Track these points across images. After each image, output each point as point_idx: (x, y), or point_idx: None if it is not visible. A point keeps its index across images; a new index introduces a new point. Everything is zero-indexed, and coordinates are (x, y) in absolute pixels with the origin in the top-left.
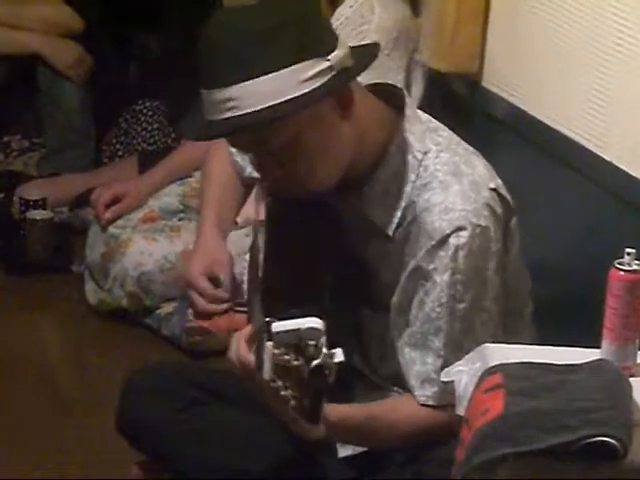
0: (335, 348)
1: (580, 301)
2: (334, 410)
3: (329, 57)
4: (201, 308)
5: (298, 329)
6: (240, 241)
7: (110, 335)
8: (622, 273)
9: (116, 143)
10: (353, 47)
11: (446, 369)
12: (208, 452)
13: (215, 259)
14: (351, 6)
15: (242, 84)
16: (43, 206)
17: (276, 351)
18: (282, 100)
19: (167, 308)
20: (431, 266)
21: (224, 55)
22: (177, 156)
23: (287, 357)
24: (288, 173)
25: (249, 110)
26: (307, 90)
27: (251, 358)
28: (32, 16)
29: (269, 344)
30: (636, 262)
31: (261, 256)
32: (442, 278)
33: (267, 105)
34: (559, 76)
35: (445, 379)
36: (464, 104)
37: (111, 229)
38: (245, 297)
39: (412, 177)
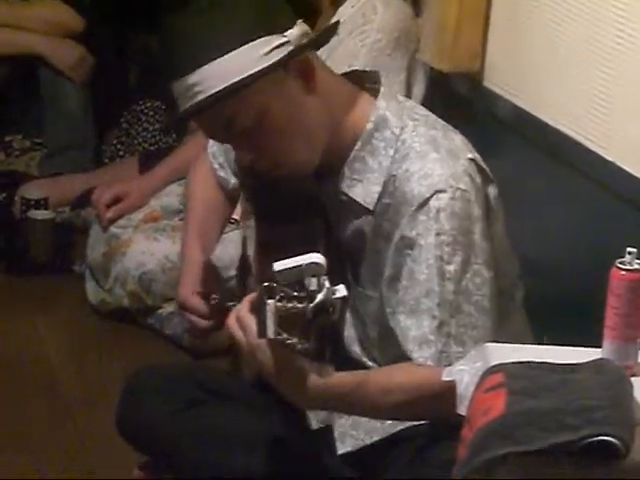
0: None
1: (582, 300)
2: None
3: (286, 34)
4: (201, 327)
5: (300, 265)
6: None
7: (111, 335)
8: (623, 272)
9: (117, 143)
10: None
11: (448, 368)
12: (209, 452)
13: (203, 277)
14: (353, 6)
15: (202, 68)
16: (45, 206)
17: (279, 304)
18: (243, 76)
19: (169, 308)
20: (414, 232)
21: (181, 45)
22: (178, 156)
23: (290, 305)
24: (264, 155)
25: (212, 91)
26: (266, 64)
27: (251, 321)
28: (33, 17)
29: (271, 301)
30: (637, 261)
31: (251, 250)
32: (427, 240)
33: (229, 82)
34: (561, 76)
35: (446, 378)
36: (466, 104)
37: (112, 229)
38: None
39: (390, 152)
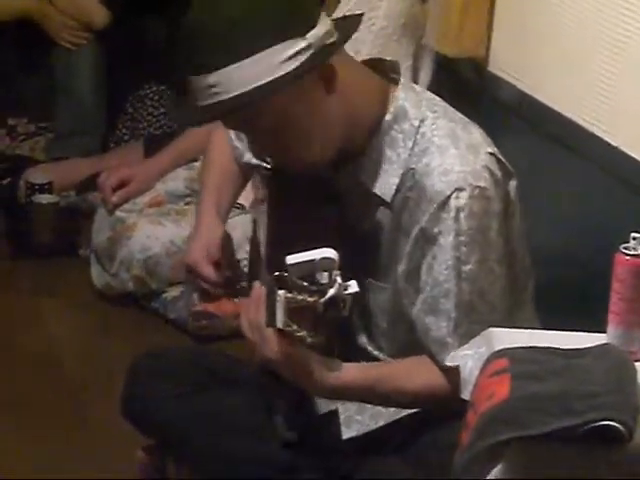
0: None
1: (586, 286)
2: (344, 372)
3: (307, 36)
4: (206, 292)
5: (313, 260)
6: (247, 225)
7: (116, 319)
8: (628, 258)
9: (122, 128)
10: (336, 20)
11: (452, 353)
12: (213, 436)
13: (214, 243)
14: None
15: (222, 70)
16: (49, 190)
17: (289, 295)
18: (262, 82)
19: (173, 292)
20: (436, 229)
21: (202, 42)
22: (183, 140)
23: (300, 297)
24: (281, 150)
25: (232, 94)
26: (286, 71)
27: (261, 315)
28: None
29: (281, 292)
30: None
31: (262, 235)
32: (447, 240)
33: (248, 89)
34: (566, 61)
35: (450, 363)
36: (471, 89)
37: (117, 213)
38: (244, 278)
39: (409, 144)
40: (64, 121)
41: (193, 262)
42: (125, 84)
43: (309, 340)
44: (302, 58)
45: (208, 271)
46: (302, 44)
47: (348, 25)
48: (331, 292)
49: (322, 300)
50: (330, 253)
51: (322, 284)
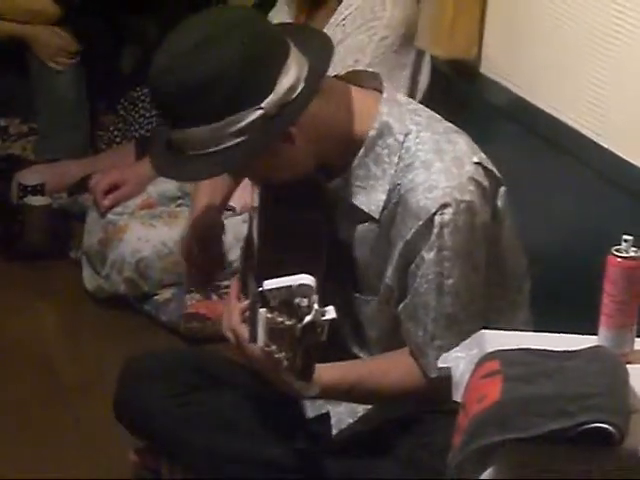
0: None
1: (578, 288)
2: (325, 373)
3: (262, 105)
4: (195, 275)
5: (290, 286)
6: (238, 227)
7: (107, 321)
8: (619, 260)
9: (114, 130)
10: (309, 51)
11: (444, 355)
12: (205, 438)
13: (210, 228)
14: None
15: (181, 130)
16: (41, 192)
17: (269, 315)
18: (218, 148)
19: (165, 294)
20: (418, 245)
21: (164, 102)
22: None
23: (280, 319)
24: (258, 180)
25: (191, 153)
26: (240, 139)
27: (243, 329)
28: (14, 7)
29: (262, 310)
30: (633, 249)
31: (255, 241)
32: (429, 256)
33: (206, 152)
34: (557, 63)
35: (442, 365)
36: (462, 91)
37: (109, 215)
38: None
39: (395, 160)
40: (45, 121)
41: (187, 245)
42: (117, 85)
43: (286, 362)
44: (256, 128)
45: (201, 250)
46: (257, 114)
47: (316, 69)
48: (308, 318)
49: (299, 326)
50: (307, 280)
51: (301, 307)
